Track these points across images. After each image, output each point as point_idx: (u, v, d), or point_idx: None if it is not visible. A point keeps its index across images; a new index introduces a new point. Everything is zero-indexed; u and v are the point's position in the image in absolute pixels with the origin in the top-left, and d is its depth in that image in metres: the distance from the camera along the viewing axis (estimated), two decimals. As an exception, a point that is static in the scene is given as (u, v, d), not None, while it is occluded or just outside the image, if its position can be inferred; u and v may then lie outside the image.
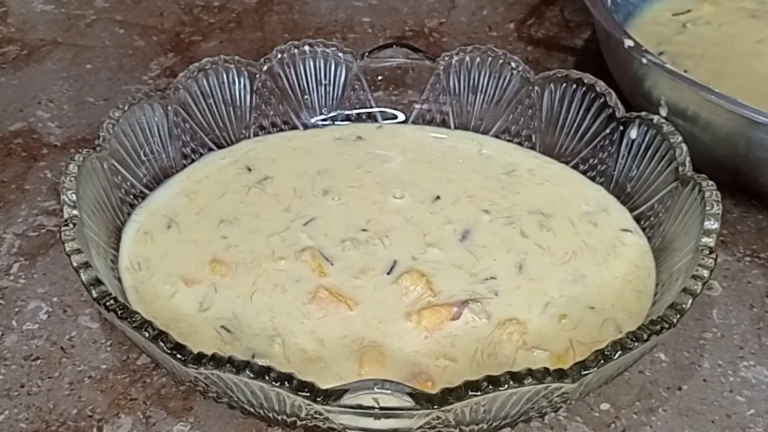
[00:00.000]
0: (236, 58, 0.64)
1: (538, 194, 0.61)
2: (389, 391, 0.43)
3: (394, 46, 0.66)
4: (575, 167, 0.63)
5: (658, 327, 0.46)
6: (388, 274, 0.55)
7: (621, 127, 0.60)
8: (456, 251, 0.57)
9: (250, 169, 0.63)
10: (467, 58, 0.65)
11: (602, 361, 0.44)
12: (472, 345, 0.51)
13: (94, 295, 0.47)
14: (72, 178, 0.53)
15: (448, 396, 0.42)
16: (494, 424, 0.46)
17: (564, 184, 0.62)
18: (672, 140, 0.57)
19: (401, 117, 0.67)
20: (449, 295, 0.54)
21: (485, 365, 0.50)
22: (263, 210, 0.60)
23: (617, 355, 0.44)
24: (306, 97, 0.66)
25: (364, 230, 0.58)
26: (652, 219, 0.58)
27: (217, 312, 0.53)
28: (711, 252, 0.50)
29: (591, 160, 0.62)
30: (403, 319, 0.53)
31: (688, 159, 0.56)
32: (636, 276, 0.55)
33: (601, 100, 0.61)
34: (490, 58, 0.65)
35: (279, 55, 0.65)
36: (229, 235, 0.58)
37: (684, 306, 0.47)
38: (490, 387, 0.42)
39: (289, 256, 0.56)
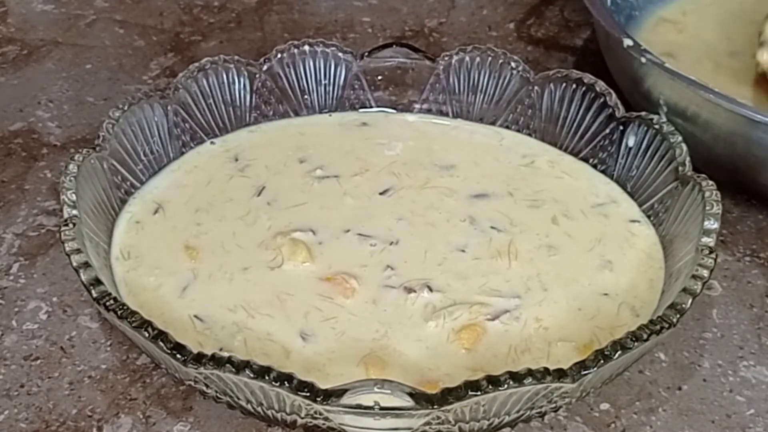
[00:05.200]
0: (236, 58, 0.64)
1: (556, 184, 0.61)
2: (389, 392, 0.43)
3: (394, 46, 0.66)
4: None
5: (658, 327, 0.46)
6: (389, 269, 0.55)
7: (621, 127, 0.60)
8: (473, 248, 0.57)
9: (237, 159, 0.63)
10: (467, 58, 0.65)
11: (602, 361, 0.44)
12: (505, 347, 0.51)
13: (94, 295, 0.47)
14: (72, 178, 0.53)
15: (448, 396, 0.42)
16: (494, 423, 0.46)
17: (577, 175, 0.62)
18: (672, 140, 0.57)
19: (401, 117, 0.67)
20: (454, 296, 0.54)
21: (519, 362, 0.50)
22: (247, 199, 0.60)
23: (617, 355, 0.44)
24: (306, 97, 0.66)
25: (365, 221, 0.58)
26: (652, 219, 0.58)
27: (195, 301, 0.53)
28: (711, 252, 0.50)
29: (591, 160, 0.62)
30: (423, 322, 0.52)
31: (687, 159, 0.56)
32: (649, 266, 0.55)
33: (601, 100, 0.61)
34: (490, 58, 0.65)
35: (279, 55, 0.65)
36: (204, 222, 0.58)
37: (684, 306, 0.47)
38: (490, 387, 0.42)
39: (271, 244, 0.56)
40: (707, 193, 0.53)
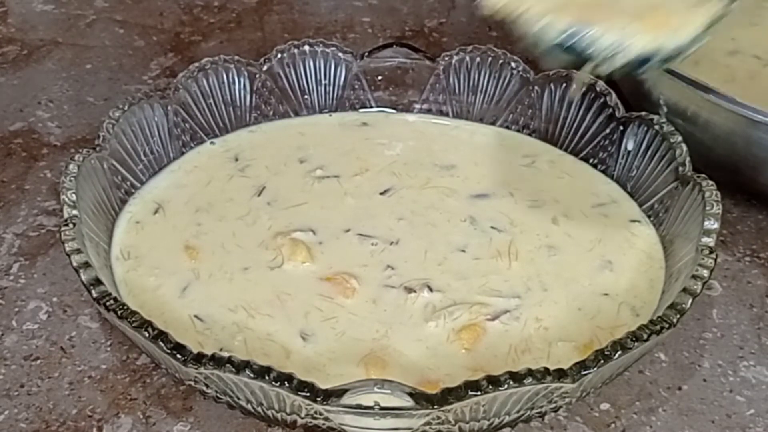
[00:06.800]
0: (236, 58, 0.64)
1: (557, 184, 0.61)
2: (389, 392, 0.43)
3: (394, 46, 0.66)
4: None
5: (658, 327, 0.46)
6: (390, 269, 0.55)
7: (621, 127, 0.60)
8: (473, 247, 0.57)
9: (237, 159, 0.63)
10: (467, 58, 0.65)
11: (602, 361, 0.44)
12: (505, 346, 0.51)
13: (94, 295, 0.47)
14: (72, 178, 0.53)
15: (448, 396, 0.42)
16: (494, 423, 0.46)
17: (577, 175, 0.62)
18: (672, 140, 0.57)
19: (401, 117, 0.67)
20: (454, 297, 0.54)
21: (520, 362, 0.50)
22: (247, 199, 0.60)
23: (617, 355, 0.44)
24: (306, 97, 0.66)
25: (365, 221, 0.58)
26: (652, 219, 0.58)
27: (195, 301, 0.53)
28: (711, 252, 0.50)
29: (591, 160, 0.62)
30: (423, 322, 0.52)
31: (688, 159, 0.56)
32: (649, 266, 0.55)
33: (601, 100, 0.61)
34: (490, 58, 0.65)
35: (279, 55, 0.65)
36: (204, 222, 0.58)
37: (684, 306, 0.47)
38: (490, 387, 0.42)
39: (271, 244, 0.56)
40: (707, 193, 0.53)
